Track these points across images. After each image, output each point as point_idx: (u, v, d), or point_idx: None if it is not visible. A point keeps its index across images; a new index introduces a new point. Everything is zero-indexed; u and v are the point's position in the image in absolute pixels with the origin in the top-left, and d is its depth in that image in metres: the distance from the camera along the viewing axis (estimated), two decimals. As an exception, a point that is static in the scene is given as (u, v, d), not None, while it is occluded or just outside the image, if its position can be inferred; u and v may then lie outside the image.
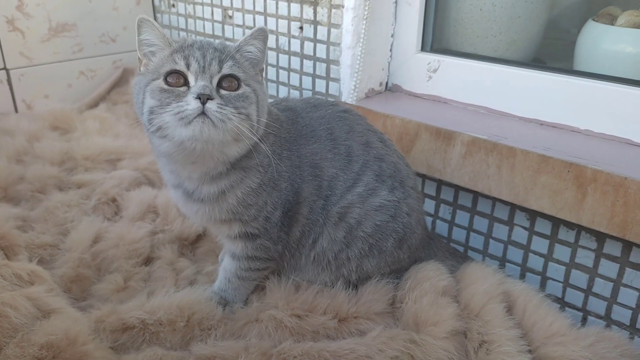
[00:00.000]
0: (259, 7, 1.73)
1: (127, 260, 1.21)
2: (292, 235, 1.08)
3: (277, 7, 1.67)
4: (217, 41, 1.00)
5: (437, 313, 1.00)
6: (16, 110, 1.94)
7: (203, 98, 0.85)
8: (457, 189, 1.41)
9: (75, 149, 1.61)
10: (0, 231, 1.19)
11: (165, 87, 0.89)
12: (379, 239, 1.09)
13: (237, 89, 0.92)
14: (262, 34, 0.96)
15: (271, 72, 1.78)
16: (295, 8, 1.62)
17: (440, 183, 1.45)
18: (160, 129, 0.88)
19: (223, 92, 0.90)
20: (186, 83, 0.90)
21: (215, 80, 0.90)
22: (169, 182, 1.05)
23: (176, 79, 0.90)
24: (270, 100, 1.16)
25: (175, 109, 0.86)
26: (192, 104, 0.85)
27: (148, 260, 1.26)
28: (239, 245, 1.07)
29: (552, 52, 1.65)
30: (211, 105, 0.85)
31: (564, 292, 1.28)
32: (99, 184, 1.48)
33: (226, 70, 0.91)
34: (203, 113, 0.85)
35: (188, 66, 0.90)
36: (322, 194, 1.06)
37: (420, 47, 1.58)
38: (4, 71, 1.88)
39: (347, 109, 1.16)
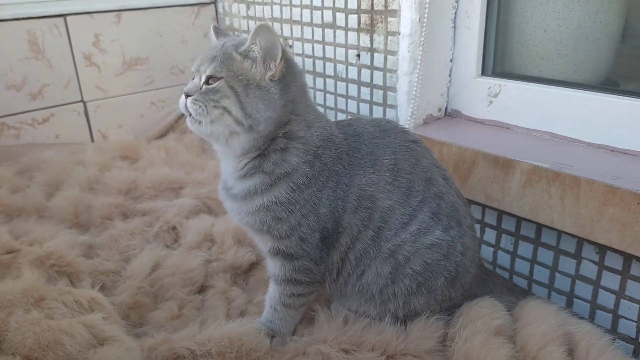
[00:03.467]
0: (318, 37, 1.75)
1: (182, 289, 1.24)
2: (331, 257, 1.06)
3: (334, 36, 1.69)
4: (236, 39, 1.05)
5: (489, 354, 0.94)
6: (92, 139, 2.06)
7: (185, 95, 0.98)
8: (519, 218, 1.35)
9: (141, 177, 1.68)
10: (67, 258, 1.26)
11: None
12: (429, 278, 1.05)
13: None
14: (260, 31, 0.96)
15: (329, 100, 1.79)
16: (352, 36, 1.63)
17: (500, 212, 1.39)
18: None
19: (203, 87, 0.98)
20: None
21: (202, 80, 0.98)
22: (222, 176, 1.12)
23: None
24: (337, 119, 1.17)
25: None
26: (181, 99, 0.99)
27: (202, 289, 1.28)
28: (277, 264, 1.07)
29: (628, 72, 1.54)
30: (188, 101, 0.97)
31: (637, 332, 1.18)
32: (162, 212, 1.53)
33: (209, 71, 0.98)
34: (187, 107, 0.98)
35: (197, 67, 1.02)
36: (372, 225, 1.04)
37: (480, 72, 1.54)
38: (81, 103, 2.02)
39: (416, 140, 1.13)
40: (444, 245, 1.05)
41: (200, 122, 0.97)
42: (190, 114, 0.97)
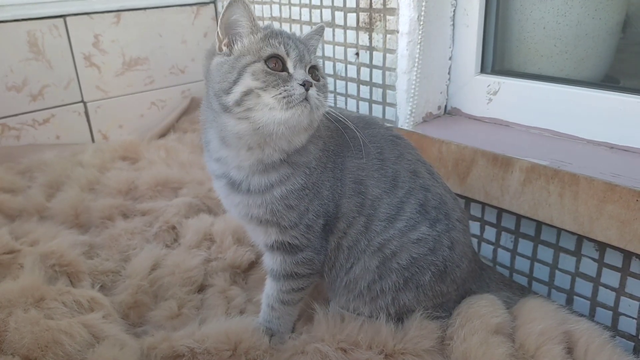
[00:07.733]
0: (317, 35, 1.75)
1: (182, 288, 1.25)
2: (329, 244, 1.06)
3: (333, 34, 1.68)
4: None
5: (488, 352, 0.94)
6: (93, 140, 2.07)
7: (307, 85, 0.90)
8: (519, 216, 1.34)
9: (141, 178, 1.68)
10: (68, 258, 1.26)
11: (269, 70, 0.92)
12: (415, 273, 1.04)
13: (318, 79, 0.97)
14: (322, 30, 1.04)
15: (329, 98, 1.79)
16: (351, 35, 1.63)
17: (500, 210, 1.38)
18: (249, 110, 0.91)
19: (314, 81, 0.94)
20: (284, 69, 0.93)
21: (307, 70, 0.95)
22: (213, 172, 1.07)
23: (275, 63, 0.93)
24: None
25: (282, 92, 0.89)
26: (297, 90, 0.89)
27: (201, 288, 1.28)
28: (278, 259, 1.06)
29: (628, 68, 1.54)
30: (312, 92, 0.90)
31: (638, 329, 1.17)
32: (161, 212, 1.53)
33: (314, 61, 0.96)
34: (305, 99, 0.90)
35: (287, 53, 0.93)
36: (364, 211, 1.04)
37: (479, 69, 1.54)
38: (81, 104, 2.02)
39: (399, 135, 1.13)
40: (430, 239, 1.04)
41: (314, 113, 0.92)
42: (312, 106, 0.91)
